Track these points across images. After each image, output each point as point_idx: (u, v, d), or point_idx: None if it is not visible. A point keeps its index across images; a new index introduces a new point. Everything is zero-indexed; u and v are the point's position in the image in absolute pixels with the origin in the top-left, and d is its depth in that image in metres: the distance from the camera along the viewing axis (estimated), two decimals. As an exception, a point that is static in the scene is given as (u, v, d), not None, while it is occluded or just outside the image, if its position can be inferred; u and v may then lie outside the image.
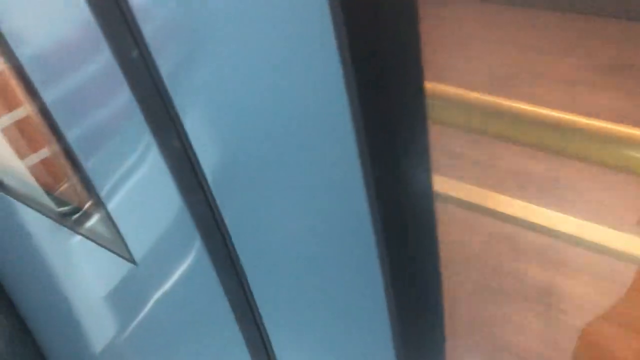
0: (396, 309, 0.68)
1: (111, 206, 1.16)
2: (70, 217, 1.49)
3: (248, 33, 0.60)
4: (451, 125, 1.38)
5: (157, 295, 1.30)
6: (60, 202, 1.54)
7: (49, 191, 1.59)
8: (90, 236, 1.40)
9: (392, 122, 0.56)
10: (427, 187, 0.62)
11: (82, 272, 1.62)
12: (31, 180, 1.65)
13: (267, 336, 1.03)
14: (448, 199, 2.15)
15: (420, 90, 0.56)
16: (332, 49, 0.51)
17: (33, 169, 1.68)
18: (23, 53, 0.95)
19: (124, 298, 1.48)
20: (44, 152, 1.45)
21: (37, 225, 1.57)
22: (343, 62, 0.51)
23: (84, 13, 0.75)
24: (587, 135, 1.05)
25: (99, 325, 1.72)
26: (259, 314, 1.00)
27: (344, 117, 0.55)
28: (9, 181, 1.63)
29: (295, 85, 0.60)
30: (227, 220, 0.89)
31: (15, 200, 1.55)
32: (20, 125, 1.41)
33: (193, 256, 1.05)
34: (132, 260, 1.24)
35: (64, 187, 1.52)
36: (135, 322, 1.48)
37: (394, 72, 0.53)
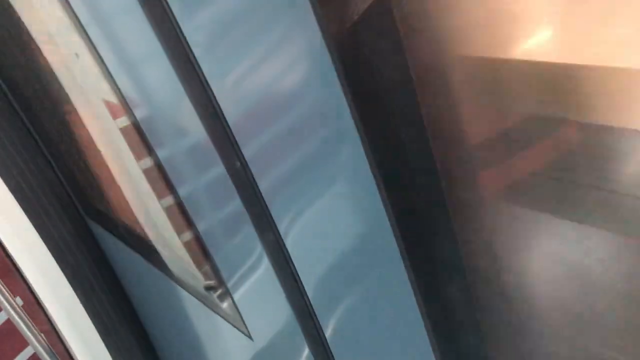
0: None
1: (236, 296, 1.25)
2: (214, 291, 1.62)
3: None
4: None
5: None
6: (207, 276, 1.68)
7: (199, 266, 1.75)
8: (220, 313, 1.51)
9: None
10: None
11: (216, 341, 1.75)
12: (185, 254, 1.82)
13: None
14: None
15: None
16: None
17: (187, 245, 1.84)
18: (163, 157, 1.09)
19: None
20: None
21: (182, 298, 1.72)
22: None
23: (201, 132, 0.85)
24: None
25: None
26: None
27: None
28: (166, 255, 1.81)
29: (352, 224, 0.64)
30: (321, 320, 0.94)
31: (166, 276, 1.71)
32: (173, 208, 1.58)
33: (297, 348, 1.10)
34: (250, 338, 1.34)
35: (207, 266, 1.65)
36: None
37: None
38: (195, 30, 0.73)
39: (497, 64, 0.52)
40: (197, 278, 1.68)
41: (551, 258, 0.65)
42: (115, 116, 1.45)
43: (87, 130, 1.68)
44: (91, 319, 1.96)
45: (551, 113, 0.55)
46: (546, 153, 0.58)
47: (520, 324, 0.74)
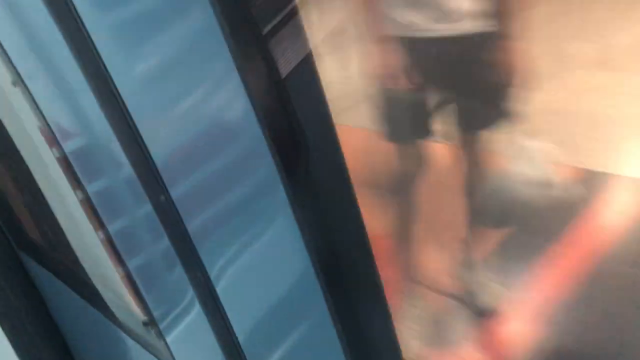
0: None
1: (168, 338, 1.22)
2: (151, 327, 1.57)
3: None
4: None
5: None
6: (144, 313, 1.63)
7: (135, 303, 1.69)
8: (154, 352, 1.46)
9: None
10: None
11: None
12: (123, 289, 1.77)
13: None
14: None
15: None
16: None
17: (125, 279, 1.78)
18: (93, 191, 1.06)
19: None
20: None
21: (117, 336, 1.66)
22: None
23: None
24: None
25: None
26: None
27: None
28: (103, 290, 1.75)
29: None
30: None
31: (101, 314, 1.65)
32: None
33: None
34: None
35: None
36: None
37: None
38: (122, 70, 0.72)
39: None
40: (135, 313, 1.63)
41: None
42: (50, 145, 1.41)
43: (21, 158, 1.62)
44: (18, 356, 1.87)
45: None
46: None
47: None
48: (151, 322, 1.48)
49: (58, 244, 1.77)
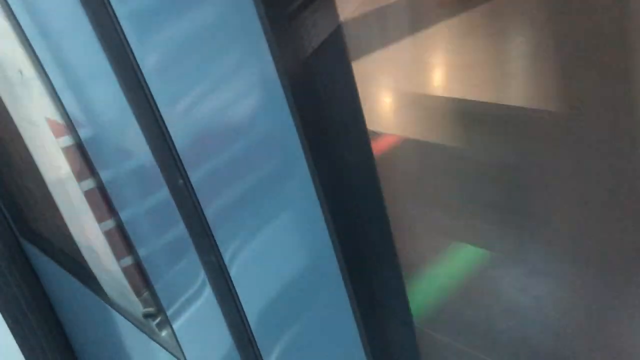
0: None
1: (175, 324, 1.22)
2: (152, 319, 1.57)
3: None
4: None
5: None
6: (147, 304, 1.63)
7: (138, 293, 1.70)
8: (158, 340, 1.47)
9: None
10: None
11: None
12: (124, 280, 1.77)
13: None
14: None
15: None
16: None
17: (126, 271, 1.79)
18: (106, 178, 1.06)
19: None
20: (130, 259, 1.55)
21: (118, 324, 1.67)
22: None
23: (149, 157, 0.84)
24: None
25: None
26: None
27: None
28: (104, 280, 1.75)
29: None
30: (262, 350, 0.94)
31: (103, 302, 1.66)
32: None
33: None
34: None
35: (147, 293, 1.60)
36: None
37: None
38: (146, 52, 0.73)
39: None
40: (135, 305, 1.63)
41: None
42: (57, 135, 1.42)
43: (26, 149, 1.63)
44: (19, 345, 1.87)
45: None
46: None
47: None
48: (156, 312, 1.48)
49: (61, 234, 1.77)
